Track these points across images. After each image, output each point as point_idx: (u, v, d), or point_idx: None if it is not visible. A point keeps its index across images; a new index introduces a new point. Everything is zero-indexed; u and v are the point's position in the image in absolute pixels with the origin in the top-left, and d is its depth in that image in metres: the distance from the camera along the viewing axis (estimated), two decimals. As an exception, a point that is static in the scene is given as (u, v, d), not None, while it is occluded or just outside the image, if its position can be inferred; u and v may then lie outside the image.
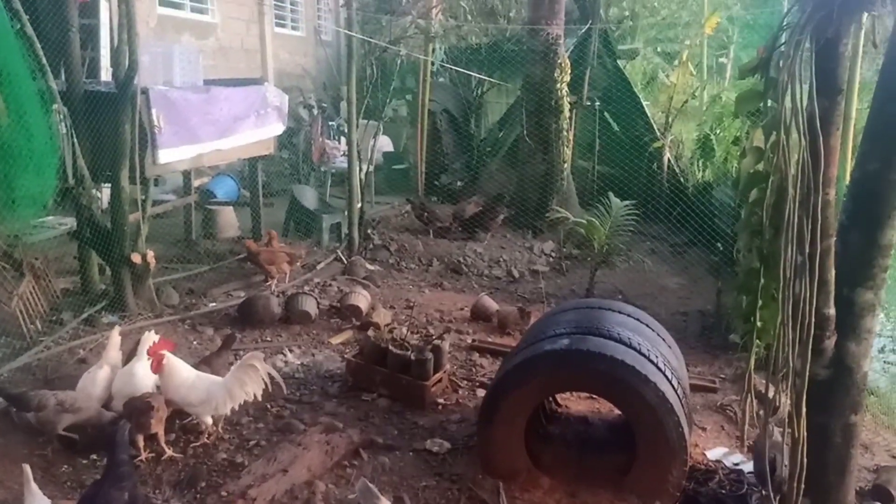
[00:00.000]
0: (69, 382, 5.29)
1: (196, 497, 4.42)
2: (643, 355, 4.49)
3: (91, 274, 7.44)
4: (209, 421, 5.07)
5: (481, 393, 6.12)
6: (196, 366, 5.44)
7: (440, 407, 5.94)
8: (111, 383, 5.13)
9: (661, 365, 4.51)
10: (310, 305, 7.60)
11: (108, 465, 3.81)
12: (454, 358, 6.88)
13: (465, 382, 6.42)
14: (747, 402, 4.02)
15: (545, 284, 9.28)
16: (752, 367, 3.85)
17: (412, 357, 5.92)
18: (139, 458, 4.70)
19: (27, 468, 3.69)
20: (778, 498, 3.77)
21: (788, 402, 3.26)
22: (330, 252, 10.08)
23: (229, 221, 10.87)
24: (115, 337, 5.47)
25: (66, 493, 4.29)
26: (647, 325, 5.15)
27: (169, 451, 4.84)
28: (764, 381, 3.91)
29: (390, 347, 6.06)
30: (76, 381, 5.20)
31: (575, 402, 6.00)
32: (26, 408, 4.76)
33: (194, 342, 6.76)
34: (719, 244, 8.62)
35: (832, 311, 3.59)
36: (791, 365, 3.21)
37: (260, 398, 5.11)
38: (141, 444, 4.73)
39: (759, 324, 3.65)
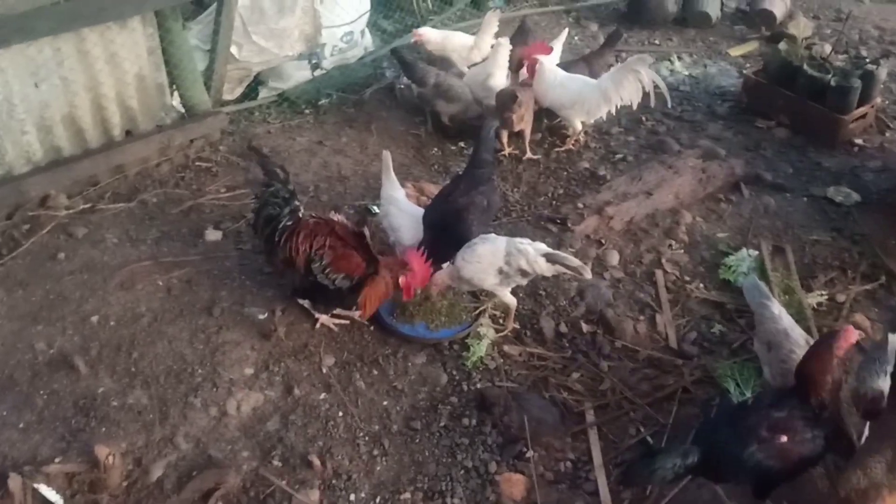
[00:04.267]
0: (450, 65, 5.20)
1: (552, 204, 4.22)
2: None
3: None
4: (578, 126, 4.68)
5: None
6: (572, 63, 4.95)
7: (856, 149, 4.80)
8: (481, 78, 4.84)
9: None
10: (712, 6, 6.43)
11: (471, 163, 3.66)
12: (889, 91, 5.39)
13: (899, 123, 5.04)
14: None
15: None
16: None
17: (832, 82, 4.70)
18: (502, 152, 4.56)
19: (387, 155, 3.69)
20: None
21: None
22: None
23: None
24: (492, 22, 5.10)
25: (431, 176, 4.40)
26: None
27: (529, 153, 4.62)
28: None
29: (805, 67, 4.86)
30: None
31: None
32: (412, 76, 4.81)
33: (576, 37, 6.20)
34: None
35: None
36: None
37: (636, 107, 4.51)
38: (504, 139, 4.57)
39: None
